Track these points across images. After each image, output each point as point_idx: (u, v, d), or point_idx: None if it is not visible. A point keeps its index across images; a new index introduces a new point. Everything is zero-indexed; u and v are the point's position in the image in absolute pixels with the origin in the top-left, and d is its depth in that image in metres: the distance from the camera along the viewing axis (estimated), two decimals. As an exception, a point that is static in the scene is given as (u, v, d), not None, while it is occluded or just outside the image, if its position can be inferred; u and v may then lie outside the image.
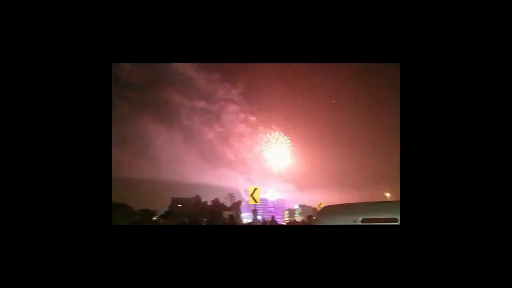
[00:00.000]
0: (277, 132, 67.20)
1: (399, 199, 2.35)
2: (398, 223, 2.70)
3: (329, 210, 3.30)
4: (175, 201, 58.56)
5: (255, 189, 12.28)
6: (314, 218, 3.37)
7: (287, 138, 67.21)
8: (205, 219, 16.45)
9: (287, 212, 70.90)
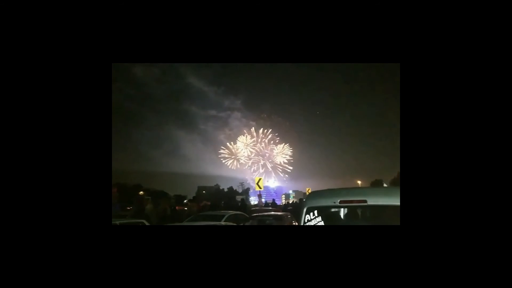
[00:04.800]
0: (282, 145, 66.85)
1: (368, 186, 2.32)
2: (367, 203, 2.72)
3: (315, 194, 3.30)
4: (200, 188, 59.11)
5: (260, 179, 12.99)
6: (304, 200, 3.36)
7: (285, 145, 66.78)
8: (222, 202, 16.47)
9: (284, 195, 70.90)
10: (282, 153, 66.68)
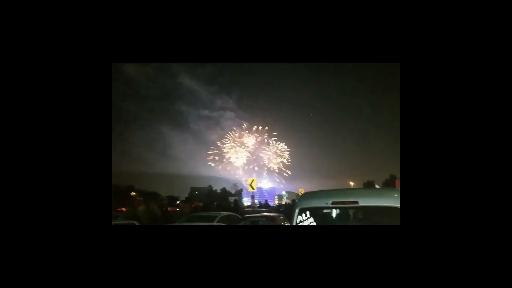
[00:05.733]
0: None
1: (360, 187, 2.32)
2: (358, 204, 2.73)
3: (308, 195, 3.32)
4: (193, 189, 58.79)
5: (253, 180, 12.95)
6: (297, 201, 3.36)
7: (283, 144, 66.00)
8: (215, 203, 16.41)
9: (277, 197, 71.06)
10: (277, 154, 65.93)
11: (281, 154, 65.97)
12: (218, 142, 65.59)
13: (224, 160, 64.37)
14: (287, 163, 66.07)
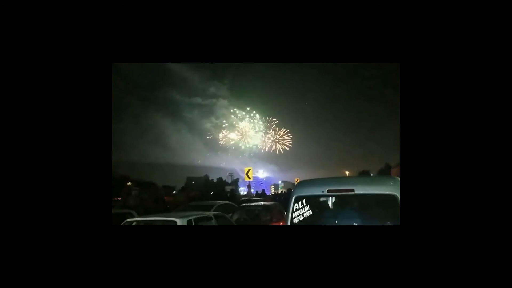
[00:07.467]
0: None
1: (356, 175, 2.32)
2: (355, 192, 2.75)
3: (303, 183, 3.33)
4: (189, 179, 58.75)
5: (249, 169, 13.08)
6: (293, 189, 3.38)
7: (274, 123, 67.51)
8: (212, 192, 16.52)
9: (273, 186, 71.71)
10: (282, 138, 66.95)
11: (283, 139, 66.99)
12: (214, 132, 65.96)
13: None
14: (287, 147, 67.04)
